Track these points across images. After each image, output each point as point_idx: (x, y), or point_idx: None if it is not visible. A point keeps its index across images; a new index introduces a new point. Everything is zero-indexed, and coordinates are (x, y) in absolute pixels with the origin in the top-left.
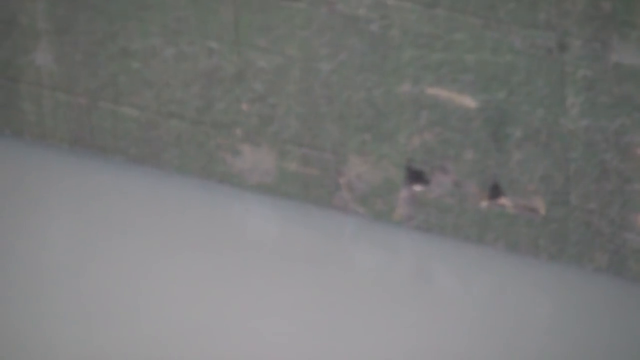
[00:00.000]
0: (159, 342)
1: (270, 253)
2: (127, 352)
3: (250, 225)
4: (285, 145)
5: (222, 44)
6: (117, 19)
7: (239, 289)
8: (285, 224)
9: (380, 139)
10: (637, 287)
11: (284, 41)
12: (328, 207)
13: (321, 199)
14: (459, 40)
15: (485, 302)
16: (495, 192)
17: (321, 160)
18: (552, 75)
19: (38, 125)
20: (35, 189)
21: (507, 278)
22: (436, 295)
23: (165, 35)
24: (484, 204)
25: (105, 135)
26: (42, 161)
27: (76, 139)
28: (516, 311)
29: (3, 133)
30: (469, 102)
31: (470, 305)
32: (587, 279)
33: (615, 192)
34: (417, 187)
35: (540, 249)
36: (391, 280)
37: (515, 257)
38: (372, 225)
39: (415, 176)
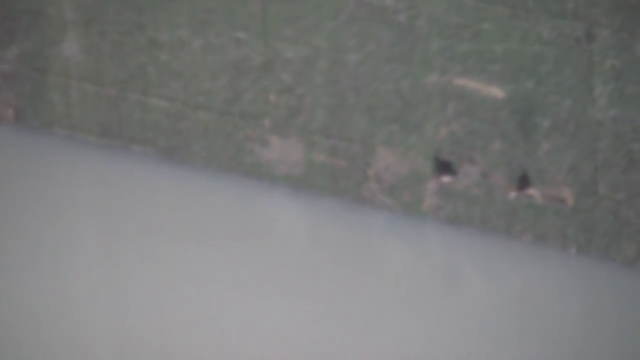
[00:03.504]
0: (185, 333)
1: (298, 247)
2: (154, 341)
3: (278, 219)
4: (313, 137)
5: (249, 35)
6: (145, 10)
7: (266, 283)
8: (314, 218)
9: (407, 130)
10: None
11: (312, 32)
12: (356, 199)
13: (349, 190)
14: (486, 30)
15: (512, 298)
16: (523, 182)
17: (349, 151)
18: (580, 65)
19: (66, 117)
20: (64, 181)
21: (534, 273)
22: (463, 291)
23: (193, 26)
24: (512, 194)
25: (133, 126)
26: (70, 152)
27: (104, 131)
28: (543, 307)
29: (31, 124)
30: (497, 92)
31: (497, 302)
32: (616, 273)
33: None
34: (445, 178)
35: (568, 240)
36: (418, 275)
37: (542, 251)
38: (400, 218)
39: (443, 167)
